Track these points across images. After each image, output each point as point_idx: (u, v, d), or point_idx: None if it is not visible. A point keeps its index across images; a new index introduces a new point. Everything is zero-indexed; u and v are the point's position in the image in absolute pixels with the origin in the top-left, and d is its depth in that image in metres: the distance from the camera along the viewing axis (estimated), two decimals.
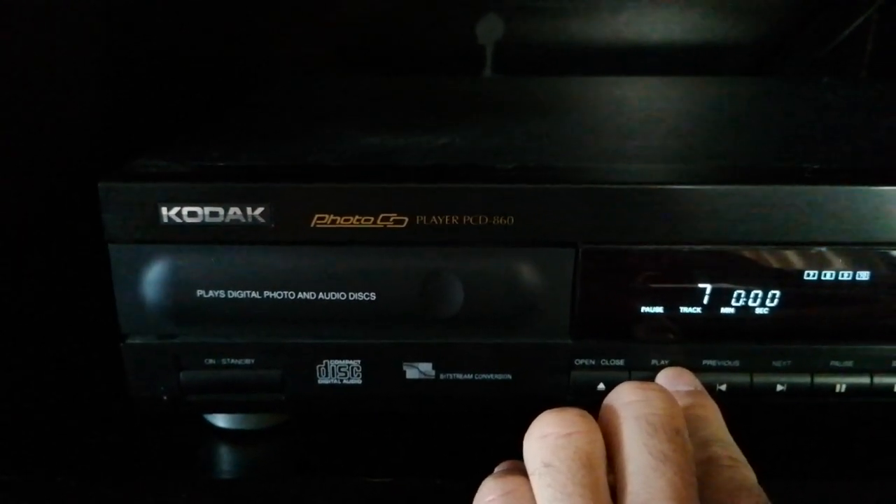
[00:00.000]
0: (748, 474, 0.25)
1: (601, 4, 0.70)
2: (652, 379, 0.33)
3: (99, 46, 0.55)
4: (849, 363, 0.33)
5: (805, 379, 0.33)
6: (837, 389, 0.33)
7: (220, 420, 0.37)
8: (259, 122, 0.44)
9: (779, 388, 0.33)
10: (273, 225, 0.30)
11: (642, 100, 0.53)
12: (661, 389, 0.25)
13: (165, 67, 0.63)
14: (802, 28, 0.72)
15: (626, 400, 0.25)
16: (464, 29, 0.71)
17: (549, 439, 0.23)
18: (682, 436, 0.24)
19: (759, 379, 0.33)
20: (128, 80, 0.59)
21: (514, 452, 0.27)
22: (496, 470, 0.27)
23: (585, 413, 0.24)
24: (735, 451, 0.26)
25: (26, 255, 0.46)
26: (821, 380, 0.33)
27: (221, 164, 0.32)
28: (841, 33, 0.72)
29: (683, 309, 0.32)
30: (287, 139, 0.37)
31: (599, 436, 0.24)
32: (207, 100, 0.59)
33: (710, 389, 0.32)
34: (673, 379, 0.31)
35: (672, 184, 0.31)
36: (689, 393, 0.29)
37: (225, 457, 0.36)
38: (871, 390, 0.33)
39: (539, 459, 0.23)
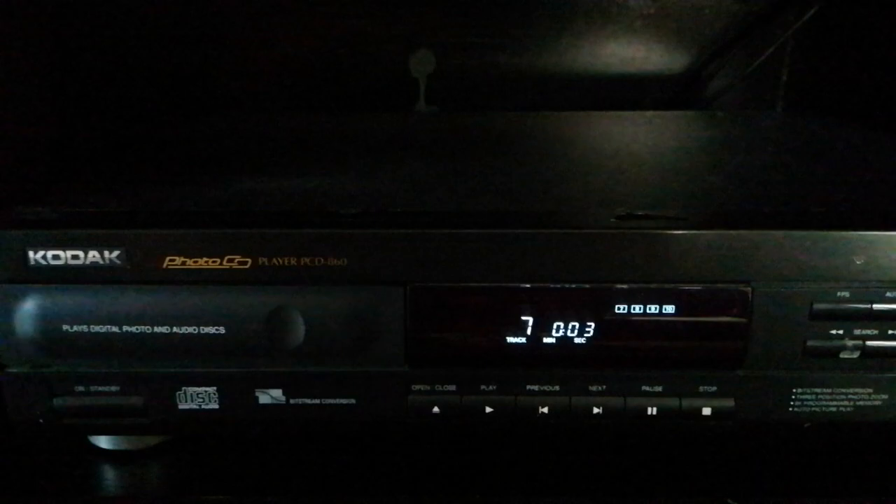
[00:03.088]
0: None
1: (528, 40, 0.75)
2: (482, 404, 0.36)
3: (35, 87, 0.59)
4: (658, 388, 0.36)
5: (619, 402, 0.36)
6: (649, 412, 0.36)
7: (103, 441, 0.40)
8: (150, 163, 0.47)
9: (595, 410, 0.36)
10: (128, 266, 0.33)
11: (533, 137, 0.57)
12: None
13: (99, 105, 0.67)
14: (721, 58, 0.76)
15: None
16: (398, 63, 0.75)
17: None
18: None
19: (577, 401, 0.36)
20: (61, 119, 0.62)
21: (361, 470, 0.29)
22: None
23: None
24: None
25: None
26: (633, 402, 0.36)
27: (91, 209, 0.36)
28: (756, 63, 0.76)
29: (509, 339, 0.36)
30: (164, 182, 0.41)
31: None
32: (132, 136, 0.63)
33: (533, 412, 0.36)
34: None
35: (489, 228, 0.34)
36: None
37: (107, 476, 0.39)
38: (681, 413, 0.36)
39: None
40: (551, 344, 0.35)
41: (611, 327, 0.35)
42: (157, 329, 0.34)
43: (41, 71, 0.59)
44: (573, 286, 0.35)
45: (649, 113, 0.69)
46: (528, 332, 0.35)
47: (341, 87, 0.76)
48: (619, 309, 0.35)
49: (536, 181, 0.43)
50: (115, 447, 0.40)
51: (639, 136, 0.58)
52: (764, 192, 0.40)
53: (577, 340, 0.35)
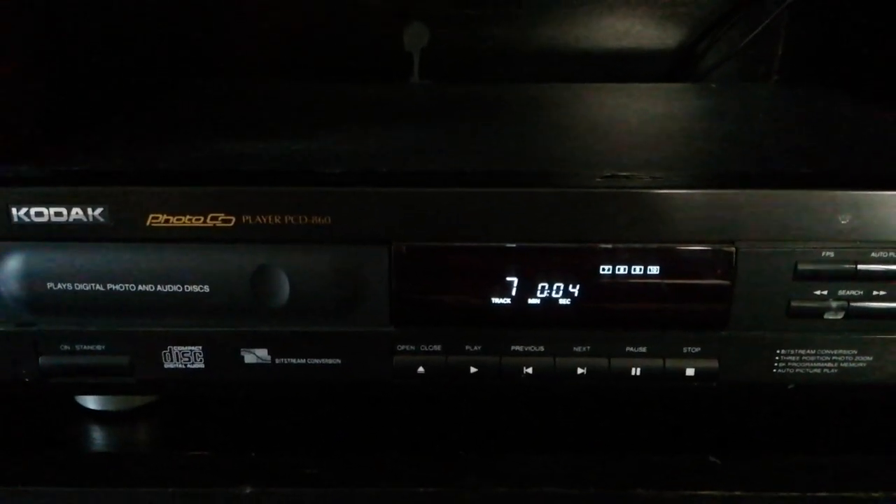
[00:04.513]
0: None
1: (523, 14, 0.74)
2: (467, 364, 0.36)
3: (19, 52, 0.58)
4: (642, 348, 0.36)
5: (603, 362, 0.36)
6: (633, 373, 0.36)
7: (90, 402, 0.40)
8: (137, 126, 0.47)
9: (579, 370, 0.36)
10: (112, 224, 0.33)
11: (526, 107, 0.57)
12: None
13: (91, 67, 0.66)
14: (717, 32, 0.76)
15: None
16: (392, 37, 0.74)
17: None
18: None
19: (562, 362, 0.36)
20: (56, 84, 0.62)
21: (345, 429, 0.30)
22: None
23: None
24: None
25: None
26: (617, 363, 0.36)
27: (75, 168, 0.36)
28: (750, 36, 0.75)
29: (494, 300, 0.36)
30: (150, 144, 0.41)
31: None
32: (121, 101, 0.62)
33: (518, 372, 0.36)
34: None
35: (474, 187, 0.34)
36: None
37: (94, 436, 0.39)
38: (665, 374, 0.36)
39: None
40: (536, 304, 0.35)
41: (595, 288, 0.35)
42: (142, 287, 0.34)
43: (25, 36, 0.59)
44: (558, 246, 0.35)
45: (642, 85, 0.68)
46: (513, 292, 0.35)
47: (335, 62, 0.75)
48: (603, 269, 0.35)
49: (526, 146, 0.43)
50: (102, 408, 0.40)
51: (630, 106, 0.58)
52: (751, 156, 0.40)
53: (561, 301, 0.35)
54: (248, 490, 0.32)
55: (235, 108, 0.54)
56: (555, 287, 0.35)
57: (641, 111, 0.55)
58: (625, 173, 0.35)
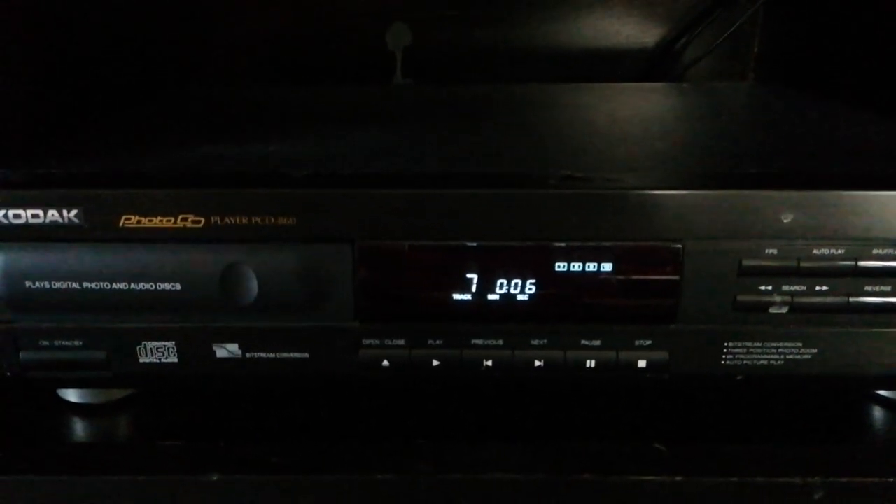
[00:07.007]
0: None
1: (504, 14, 0.76)
2: (429, 357, 0.38)
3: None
4: (597, 342, 0.38)
5: (559, 355, 0.38)
6: (588, 365, 0.38)
7: (71, 395, 0.42)
8: (116, 131, 0.48)
9: (537, 363, 0.38)
10: (87, 225, 0.35)
11: (501, 108, 0.58)
12: None
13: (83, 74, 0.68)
14: (693, 31, 0.77)
15: None
16: (375, 37, 0.76)
17: None
18: None
19: (520, 355, 0.38)
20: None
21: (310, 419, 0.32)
22: None
23: None
24: None
25: None
26: (573, 356, 0.38)
27: (52, 171, 0.37)
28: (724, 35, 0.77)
29: (455, 296, 0.37)
30: (127, 148, 0.42)
31: None
32: (103, 107, 0.64)
33: (478, 365, 0.38)
34: None
35: (434, 188, 0.36)
36: None
37: (74, 428, 0.41)
38: (618, 366, 0.38)
39: None
40: (495, 300, 0.37)
41: (551, 284, 0.37)
42: (116, 285, 0.36)
43: (12, 42, 0.60)
44: (516, 244, 0.36)
45: (616, 85, 0.70)
46: (473, 288, 0.37)
47: (319, 62, 0.77)
48: (559, 267, 0.37)
49: (494, 147, 0.45)
50: (83, 400, 0.41)
51: (601, 106, 0.59)
52: (705, 157, 0.42)
53: (519, 297, 0.37)
54: (215, 478, 0.33)
55: (214, 114, 0.55)
56: (513, 283, 0.37)
57: (610, 112, 0.57)
58: (580, 174, 0.37)
